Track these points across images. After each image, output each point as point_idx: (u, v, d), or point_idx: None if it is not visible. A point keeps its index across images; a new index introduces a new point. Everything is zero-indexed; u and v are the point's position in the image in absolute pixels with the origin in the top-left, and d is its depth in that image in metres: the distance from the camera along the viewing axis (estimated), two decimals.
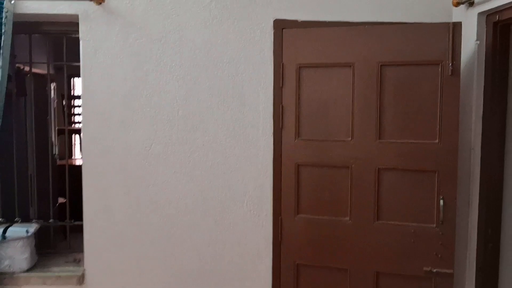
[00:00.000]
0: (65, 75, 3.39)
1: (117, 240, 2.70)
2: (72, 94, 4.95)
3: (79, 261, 2.83)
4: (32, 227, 2.79)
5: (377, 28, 2.55)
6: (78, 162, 4.88)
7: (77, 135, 5.14)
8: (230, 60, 2.69)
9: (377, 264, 2.59)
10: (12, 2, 2.51)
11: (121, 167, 2.68)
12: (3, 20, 2.48)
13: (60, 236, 3.35)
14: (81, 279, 2.69)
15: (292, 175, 2.69)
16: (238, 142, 2.72)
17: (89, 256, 2.70)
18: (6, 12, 2.48)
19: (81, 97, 2.70)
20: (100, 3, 2.58)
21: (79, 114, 4.85)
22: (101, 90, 2.66)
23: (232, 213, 2.74)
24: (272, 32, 2.68)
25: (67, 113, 4.74)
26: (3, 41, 2.48)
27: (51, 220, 2.94)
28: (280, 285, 2.73)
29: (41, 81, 3.73)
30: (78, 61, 2.68)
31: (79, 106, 4.82)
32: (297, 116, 2.66)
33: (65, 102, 4.64)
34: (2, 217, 2.87)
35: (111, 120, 2.67)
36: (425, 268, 2.48)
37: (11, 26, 2.52)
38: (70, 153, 4.94)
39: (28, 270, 2.70)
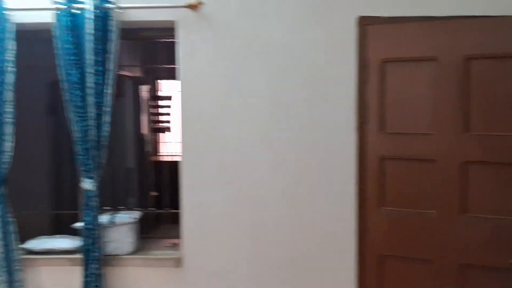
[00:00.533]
0: (153, 77, 3.67)
1: (211, 228, 2.92)
2: (158, 95, 5.30)
3: (176, 246, 3.09)
4: (136, 214, 3.09)
5: (462, 22, 2.58)
6: (164, 158, 5.25)
7: (163, 133, 5.51)
8: (314, 59, 2.83)
9: (461, 256, 2.61)
10: (120, 11, 2.80)
11: (216, 161, 2.90)
12: (111, 27, 2.77)
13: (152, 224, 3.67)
14: (179, 262, 2.94)
15: (376, 169, 2.77)
16: (322, 137, 2.85)
17: (186, 241, 2.95)
18: (114, 20, 2.78)
19: (180, 97, 2.95)
20: (196, 10, 2.81)
21: (166, 114, 5.21)
22: (196, 90, 2.89)
23: (317, 206, 2.88)
24: (355, 29, 2.78)
25: (156, 113, 5.09)
26: (112, 46, 2.78)
27: (151, 208, 3.23)
28: (365, 275, 2.83)
29: (136, 84, 4.08)
30: (163, 64, 2.92)
31: (166, 107, 5.18)
32: (381, 110, 2.75)
33: (152, 103, 4.99)
34: (111, 206, 3.21)
35: (206, 118, 2.89)
36: (511, 260, 2.48)
37: (118, 33, 2.81)
38: (158, 150, 5.30)
39: (132, 253, 3.00)
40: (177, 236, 3.16)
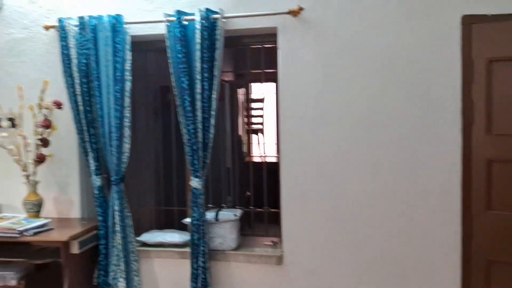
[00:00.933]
0: (246, 80, 3.81)
1: (311, 227, 3.00)
2: (251, 98, 5.48)
3: (276, 244, 3.20)
4: (238, 212, 3.25)
5: None
6: (256, 159, 5.41)
7: (256, 135, 5.68)
8: (416, 59, 2.80)
9: None
10: (224, 20, 2.97)
11: (314, 162, 2.97)
12: (217, 36, 2.95)
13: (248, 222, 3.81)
14: (280, 259, 3.05)
15: (482, 171, 2.69)
16: (425, 139, 2.81)
17: (285, 240, 3.05)
18: (219, 29, 2.95)
19: (277, 99, 3.07)
20: (296, 16, 2.90)
21: (259, 116, 5.37)
22: (295, 93, 2.98)
23: (419, 207, 2.85)
24: (460, 28, 2.72)
25: (249, 115, 5.27)
26: (217, 54, 2.95)
27: (251, 207, 3.38)
28: (470, 280, 2.75)
29: (232, 87, 4.27)
30: (255, 69, 3.03)
31: (259, 109, 5.34)
32: (488, 111, 2.66)
33: (247, 105, 5.17)
34: (213, 203, 3.40)
35: (304, 120, 2.98)
36: None
37: (222, 41, 2.98)
38: (251, 151, 5.47)
39: (235, 249, 3.16)
40: (275, 234, 3.28)
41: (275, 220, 3.25)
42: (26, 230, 2.87)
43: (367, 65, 2.87)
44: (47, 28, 3.18)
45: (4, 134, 3.14)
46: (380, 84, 2.87)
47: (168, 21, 2.97)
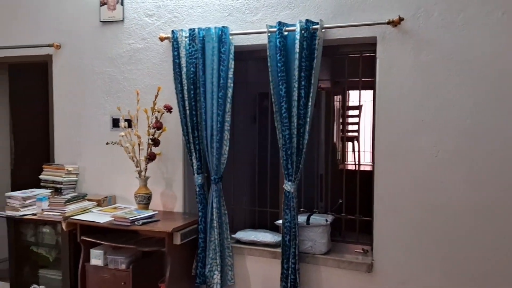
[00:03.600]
0: (342, 87, 3.85)
1: (404, 237, 2.98)
2: (347, 105, 5.50)
3: (366, 252, 3.22)
4: (329, 218, 3.32)
5: None
6: (350, 167, 5.40)
7: (351, 143, 5.68)
8: None
9: None
10: (323, 31, 3.07)
11: (409, 170, 2.96)
12: (316, 46, 3.06)
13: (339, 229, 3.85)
14: (370, 267, 3.07)
15: None
16: None
17: (377, 248, 3.06)
18: (318, 39, 3.05)
19: (375, 107, 3.10)
20: (396, 25, 2.92)
21: (355, 124, 5.37)
22: (393, 101, 2.99)
23: None
24: None
25: (345, 123, 5.30)
26: (315, 63, 3.06)
27: (343, 214, 3.43)
28: None
29: (328, 94, 4.34)
30: (352, 77, 3.07)
31: (355, 116, 5.35)
32: None
33: (343, 113, 5.20)
34: (305, 207, 3.51)
35: (401, 128, 2.98)
36: None
37: (321, 51, 3.08)
38: (345, 159, 5.48)
39: (325, 253, 3.23)
40: (366, 242, 3.29)
41: (366, 228, 3.27)
42: (136, 220, 3.19)
43: (468, 75, 2.81)
44: (162, 39, 3.52)
45: (122, 133, 3.51)
46: (483, 95, 2.79)
47: (270, 32, 3.14)
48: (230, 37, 3.29)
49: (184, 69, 3.36)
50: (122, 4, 3.72)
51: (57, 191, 3.78)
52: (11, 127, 4.69)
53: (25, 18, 4.09)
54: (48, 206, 3.51)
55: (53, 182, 3.81)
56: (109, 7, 3.77)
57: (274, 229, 3.51)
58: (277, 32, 3.09)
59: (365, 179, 3.33)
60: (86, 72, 3.90)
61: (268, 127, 3.59)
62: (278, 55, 3.09)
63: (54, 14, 3.98)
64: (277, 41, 3.09)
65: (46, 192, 3.71)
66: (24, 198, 3.60)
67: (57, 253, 3.65)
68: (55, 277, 3.65)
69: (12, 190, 4.07)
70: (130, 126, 3.56)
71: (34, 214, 3.55)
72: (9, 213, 3.61)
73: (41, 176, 3.86)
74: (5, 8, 4.17)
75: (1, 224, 4.00)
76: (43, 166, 3.91)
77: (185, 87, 3.37)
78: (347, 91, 5.30)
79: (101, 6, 3.80)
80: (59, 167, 3.85)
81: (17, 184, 4.52)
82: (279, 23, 3.09)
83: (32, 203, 3.61)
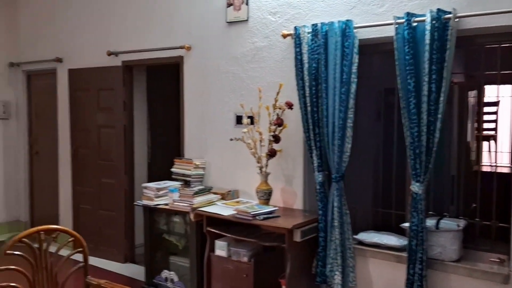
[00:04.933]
0: (478, 82, 3.50)
1: None
2: (483, 101, 5.02)
3: (502, 262, 2.91)
4: (461, 223, 3.05)
5: None
6: (485, 168, 4.93)
7: (487, 142, 5.19)
8: None
9: None
10: (456, 20, 2.83)
11: None
12: (448, 37, 2.82)
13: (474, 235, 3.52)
14: (507, 279, 2.76)
15: None
16: None
17: None
18: (451, 30, 2.82)
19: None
20: None
21: (492, 121, 4.89)
22: None
23: None
24: None
25: (481, 120, 4.85)
26: (447, 55, 2.83)
27: (476, 219, 3.13)
28: None
29: (461, 90, 3.99)
30: (490, 70, 2.75)
31: (492, 113, 4.87)
32: None
33: (478, 109, 4.76)
34: (433, 211, 3.27)
35: None
36: None
37: (454, 42, 2.84)
38: (480, 160, 5.02)
39: (455, 261, 2.98)
40: (502, 251, 2.97)
41: (502, 235, 2.95)
42: (258, 214, 3.26)
43: None
44: (284, 36, 3.54)
45: (244, 130, 3.61)
46: None
47: (397, 23, 2.97)
48: (354, 30, 3.19)
49: (306, 65, 3.34)
50: (247, 4, 3.82)
51: (186, 183, 4.03)
52: (148, 124, 5.11)
53: (160, 23, 4.42)
54: (179, 197, 3.75)
55: (183, 175, 4.07)
56: (235, 7, 3.90)
57: (399, 232, 3.33)
58: (405, 23, 2.93)
59: (503, 182, 3.01)
60: (212, 72, 4.08)
61: (393, 124, 3.41)
62: (406, 47, 2.92)
63: (185, 18, 4.23)
64: (405, 32, 2.93)
65: (177, 184, 3.97)
66: (158, 189, 3.89)
67: (186, 242, 3.88)
68: (184, 264, 3.90)
69: (149, 182, 4.43)
70: (252, 123, 3.64)
71: (166, 204, 3.83)
72: (145, 202, 3.94)
73: (172, 169, 4.14)
74: (144, 15, 4.55)
75: (140, 213, 4.41)
76: (175, 160, 4.19)
77: (307, 84, 3.35)
78: (483, 86, 4.85)
79: (227, 7, 3.95)
80: (188, 161, 4.09)
81: (153, 176, 4.92)
82: (408, 14, 2.92)
83: (164, 194, 3.89)
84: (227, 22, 3.96)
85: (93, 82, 4.97)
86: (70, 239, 2.47)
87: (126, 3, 4.69)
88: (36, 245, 2.36)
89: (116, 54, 4.72)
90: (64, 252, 2.41)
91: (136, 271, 4.54)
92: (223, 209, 3.52)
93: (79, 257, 2.49)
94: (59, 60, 5.32)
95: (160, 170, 4.78)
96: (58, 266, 2.43)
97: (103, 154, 4.94)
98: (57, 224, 5.34)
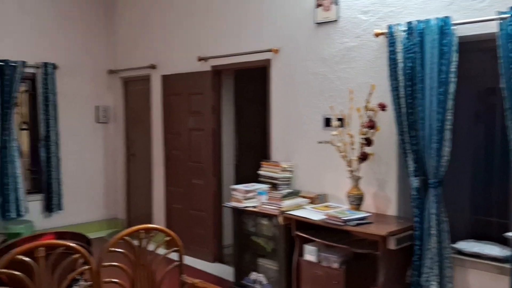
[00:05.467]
0: None
1: None
2: None
3: None
4: None
5: None
6: None
7: None
8: None
9: None
10: None
11: None
12: None
13: None
14: None
15: None
16: None
17: None
18: None
19: None
20: None
21: None
22: None
23: None
24: None
25: None
26: None
27: None
28: None
29: None
30: None
31: None
32: None
33: None
34: None
35: None
36: None
37: None
38: None
39: None
40: None
41: None
42: (349, 220, 3.17)
43: None
44: (377, 35, 3.42)
45: (334, 132, 3.54)
46: None
47: (501, 18, 2.76)
48: (453, 27, 3.00)
49: (400, 65, 3.20)
50: (336, 3, 3.75)
51: (274, 186, 4.04)
52: (236, 127, 5.20)
53: (249, 28, 4.48)
54: (267, 200, 3.77)
55: (270, 177, 4.08)
56: (324, 8, 3.84)
57: (503, 241, 3.08)
58: (509, 19, 2.71)
59: None
60: (300, 74, 4.06)
61: (495, 126, 3.16)
62: (510, 44, 2.70)
63: (273, 21, 4.25)
64: (510, 28, 2.71)
65: (265, 187, 3.99)
66: (247, 191, 3.94)
67: (274, 245, 3.89)
68: (271, 267, 3.90)
69: (236, 183, 4.51)
70: (342, 125, 3.56)
71: (255, 207, 3.86)
72: (234, 204, 4.01)
73: (260, 172, 4.17)
74: (233, 20, 4.64)
75: (228, 213, 4.50)
76: (262, 162, 4.22)
77: (401, 84, 3.21)
78: None
79: (316, 8, 3.90)
80: (275, 164, 4.10)
81: (240, 177, 5.01)
82: None
83: (253, 196, 3.93)
84: (316, 23, 3.91)
85: (184, 87, 5.17)
86: (167, 238, 2.58)
87: (215, 10, 4.82)
88: (136, 243, 2.48)
89: (206, 59, 4.86)
90: (159, 251, 2.51)
91: (224, 271, 4.64)
92: (313, 213, 3.48)
93: (174, 255, 2.59)
94: (152, 66, 5.59)
95: (246, 172, 4.84)
96: (155, 264, 2.55)
97: (193, 156, 5.11)
98: (151, 223, 5.64)
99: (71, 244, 2.26)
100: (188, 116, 5.15)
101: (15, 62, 5.24)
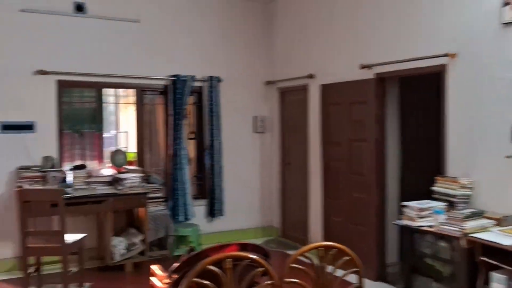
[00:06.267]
0: None
1: None
2: None
3: None
4: None
5: None
6: None
7: None
8: None
9: None
10: None
11: None
12: None
13: None
14: None
15: None
16: None
17: None
18: None
19: None
20: None
21: None
22: None
23: None
24: None
25: None
26: None
27: None
28: None
29: None
30: None
31: None
32: None
33: None
34: None
35: None
36: None
37: None
38: None
39: None
40: None
41: None
42: None
43: None
44: None
45: None
46: None
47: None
48: None
49: None
50: None
51: (450, 204, 3.65)
52: (400, 138, 4.88)
53: (419, 32, 4.17)
54: (446, 219, 3.41)
55: (446, 194, 3.71)
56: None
57: None
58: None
59: None
60: (483, 80, 3.63)
61: None
62: None
63: (450, 23, 3.89)
64: None
65: (441, 205, 3.63)
66: (421, 209, 3.62)
67: (452, 269, 3.51)
68: None
69: (400, 198, 4.20)
70: None
71: (430, 226, 3.53)
72: (405, 222, 3.71)
73: (434, 188, 3.81)
74: (401, 25, 4.37)
75: (391, 230, 4.21)
76: (436, 177, 3.86)
77: None
78: None
79: (503, 7, 3.45)
80: (453, 180, 3.71)
81: (405, 192, 4.66)
82: None
83: (428, 215, 3.60)
84: (503, 23, 3.46)
85: (345, 96, 5.01)
86: (346, 258, 2.44)
87: (381, 17, 4.59)
88: (315, 261, 2.39)
89: (369, 66, 4.65)
90: (335, 271, 2.39)
91: None
92: (501, 237, 3.07)
93: (352, 277, 2.44)
94: (311, 76, 5.55)
95: (412, 187, 4.50)
96: (335, 285, 2.42)
97: (354, 167, 4.92)
98: (306, 233, 5.60)
99: (257, 258, 2.25)
100: (348, 125, 4.98)
101: (185, 76, 5.65)
